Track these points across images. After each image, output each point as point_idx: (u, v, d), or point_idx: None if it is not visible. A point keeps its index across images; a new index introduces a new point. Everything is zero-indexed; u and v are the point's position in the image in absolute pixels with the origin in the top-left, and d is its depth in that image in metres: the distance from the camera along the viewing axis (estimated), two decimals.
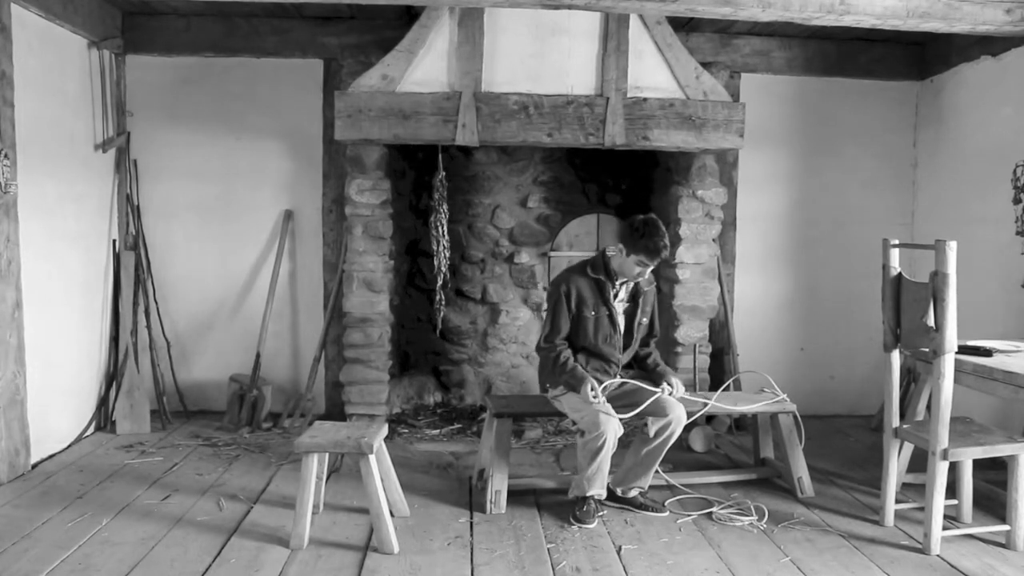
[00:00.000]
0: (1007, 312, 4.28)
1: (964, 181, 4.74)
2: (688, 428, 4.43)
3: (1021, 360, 3.21)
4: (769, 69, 5.10)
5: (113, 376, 4.74)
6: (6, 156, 3.69)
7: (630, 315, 3.58)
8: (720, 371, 5.00)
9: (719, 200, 4.76)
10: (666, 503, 3.60)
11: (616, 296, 3.52)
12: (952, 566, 3.02)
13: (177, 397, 4.97)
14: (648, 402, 3.38)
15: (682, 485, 3.80)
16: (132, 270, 4.79)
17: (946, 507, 3.19)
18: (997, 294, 4.34)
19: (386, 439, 3.43)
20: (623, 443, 3.46)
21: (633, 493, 3.59)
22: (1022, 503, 3.14)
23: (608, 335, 3.50)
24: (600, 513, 3.44)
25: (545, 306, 4.22)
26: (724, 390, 4.03)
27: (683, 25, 4.81)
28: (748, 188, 5.17)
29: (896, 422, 3.35)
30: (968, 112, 4.73)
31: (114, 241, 4.82)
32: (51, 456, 4.15)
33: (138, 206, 4.88)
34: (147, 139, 4.91)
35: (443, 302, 4.77)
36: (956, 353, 3.07)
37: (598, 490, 3.43)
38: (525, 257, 5.25)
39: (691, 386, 4.76)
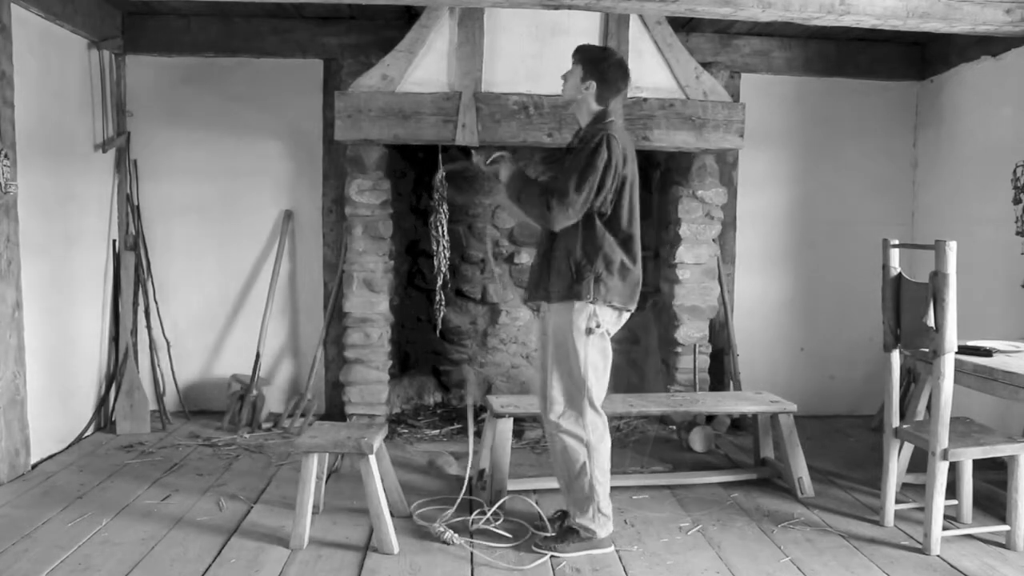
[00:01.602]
0: (1007, 312, 4.28)
1: (964, 181, 4.74)
2: (688, 428, 4.46)
3: (1021, 360, 3.20)
4: (769, 69, 5.10)
5: (113, 376, 4.74)
6: (6, 156, 3.69)
7: None
8: (720, 371, 5.00)
9: (719, 200, 4.76)
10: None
11: None
12: (952, 566, 3.02)
13: (177, 397, 4.97)
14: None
15: (682, 485, 3.80)
16: (132, 270, 4.78)
17: (946, 507, 3.18)
18: (997, 294, 4.34)
19: (386, 439, 3.43)
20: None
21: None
22: (1022, 503, 3.14)
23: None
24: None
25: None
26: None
27: (683, 25, 4.81)
28: (748, 188, 5.17)
29: (896, 422, 3.35)
30: (968, 112, 4.73)
31: (114, 241, 4.82)
32: (51, 456, 4.14)
33: (138, 206, 4.87)
34: (147, 139, 4.90)
35: (443, 302, 4.75)
36: (956, 353, 3.07)
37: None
38: (525, 257, 5.25)
39: (691, 386, 4.76)
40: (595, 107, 3.04)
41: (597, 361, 2.99)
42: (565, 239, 2.98)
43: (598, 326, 2.95)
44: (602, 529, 3.06)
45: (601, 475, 3.02)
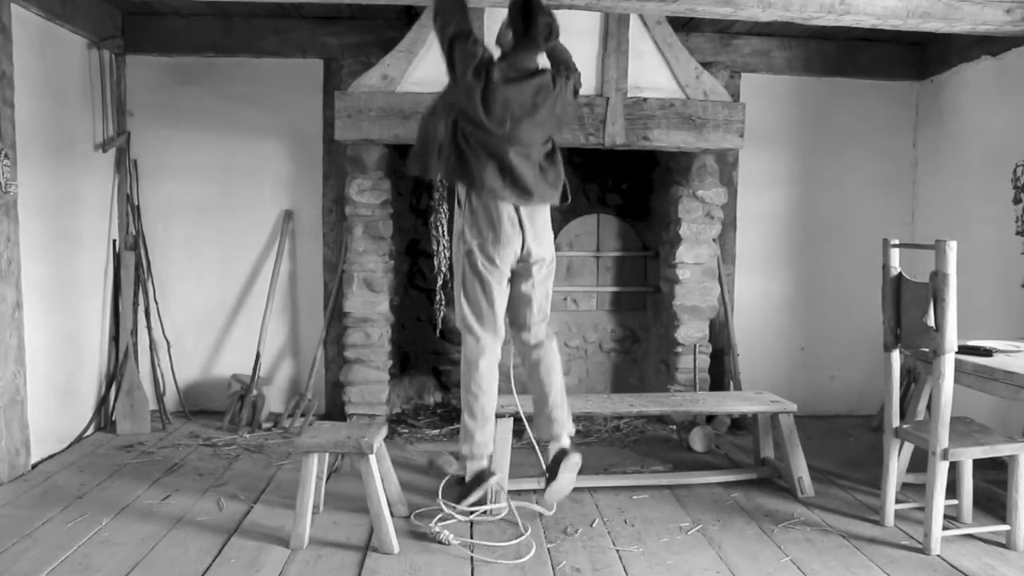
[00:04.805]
0: (1007, 312, 4.28)
1: (964, 181, 4.74)
2: (688, 428, 4.46)
3: (1021, 360, 3.20)
4: (769, 69, 5.10)
5: (113, 376, 4.74)
6: (6, 156, 3.69)
7: None
8: (720, 371, 5.00)
9: (719, 200, 4.76)
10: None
11: None
12: (952, 566, 3.02)
13: (177, 397, 4.97)
14: None
15: (682, 485, 3.80)
16: (132, 270, 4.78)
17: (946, 507, 3.19)
18: (997, 294, 4.34)
19: (386, 439, 3.43)
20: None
21: (562, 443, 3.22)
22: (1022, 503, 3.14)
23: None
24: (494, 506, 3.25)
25: None
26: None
27: (683, 25, 4.81)
28: (748, 188, 5.17)
29: (896, 422, 3.35)
30: (968, 112, 4.73)
31: (114, 241, 4.82)
32: (51, 456, 4.14)
33: (138, 206, 4.87)
34: (147, 139, 4.90)
35: (443, 302, 4.76)
36: (956, 353, 3.07)
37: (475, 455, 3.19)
38: None
39: (691, 386, 4.76)
40: (505, 50, 3.19)
41: (466, 281, 3.15)
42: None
43: (464, 242, 3.13)
44: (465, 445, 3.20)
45: (466, 392, 3.17)
